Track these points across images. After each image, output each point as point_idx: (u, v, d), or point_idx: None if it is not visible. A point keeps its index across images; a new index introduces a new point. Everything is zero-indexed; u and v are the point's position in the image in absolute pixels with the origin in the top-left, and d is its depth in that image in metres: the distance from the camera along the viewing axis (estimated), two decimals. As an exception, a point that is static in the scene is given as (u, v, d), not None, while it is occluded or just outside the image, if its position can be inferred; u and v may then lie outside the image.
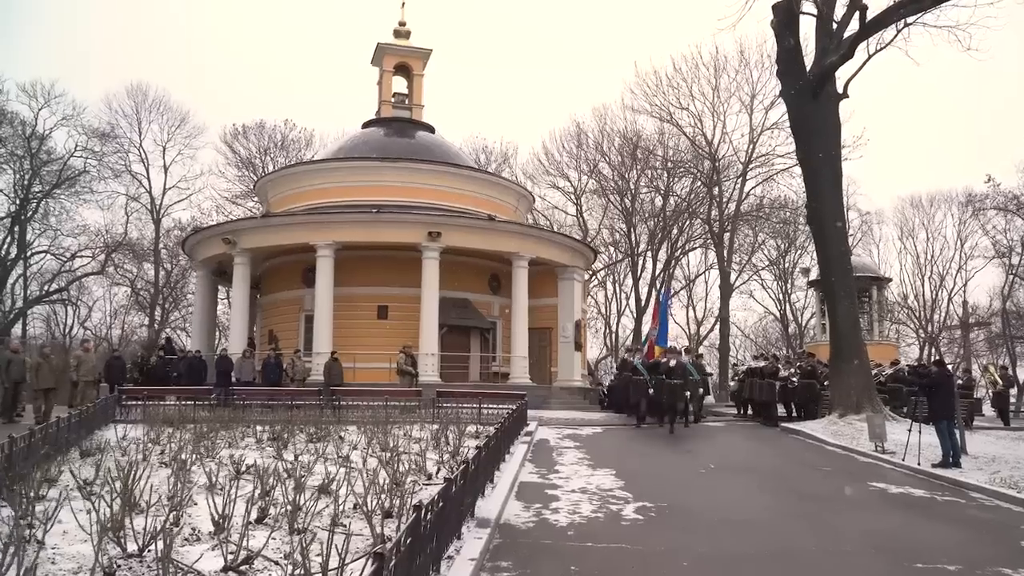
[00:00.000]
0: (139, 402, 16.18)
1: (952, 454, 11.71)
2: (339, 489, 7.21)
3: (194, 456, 9.47)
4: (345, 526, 6.13)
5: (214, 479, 7.68)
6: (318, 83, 73.64)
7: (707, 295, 51.20)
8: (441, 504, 4.73)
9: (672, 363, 16.77)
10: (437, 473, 8.93)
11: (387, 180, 25.87)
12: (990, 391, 20.64)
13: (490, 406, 16.61)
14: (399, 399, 16.76)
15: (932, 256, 49.43)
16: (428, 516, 4.30)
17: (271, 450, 10.77)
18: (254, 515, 6.38)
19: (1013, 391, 24.61)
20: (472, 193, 27.05)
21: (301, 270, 25.00)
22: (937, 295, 49.22)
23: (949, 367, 13.43)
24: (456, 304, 24.97)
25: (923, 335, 48.52)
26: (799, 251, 47.49)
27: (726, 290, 41.53)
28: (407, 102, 30.05)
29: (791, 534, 7.20)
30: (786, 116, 40.00)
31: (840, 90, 18.64)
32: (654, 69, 51.69)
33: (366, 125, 30.02)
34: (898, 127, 65.98)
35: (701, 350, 40.74)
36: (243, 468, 8.75)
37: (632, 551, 6.38)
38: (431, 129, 29.93)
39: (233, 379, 21.55)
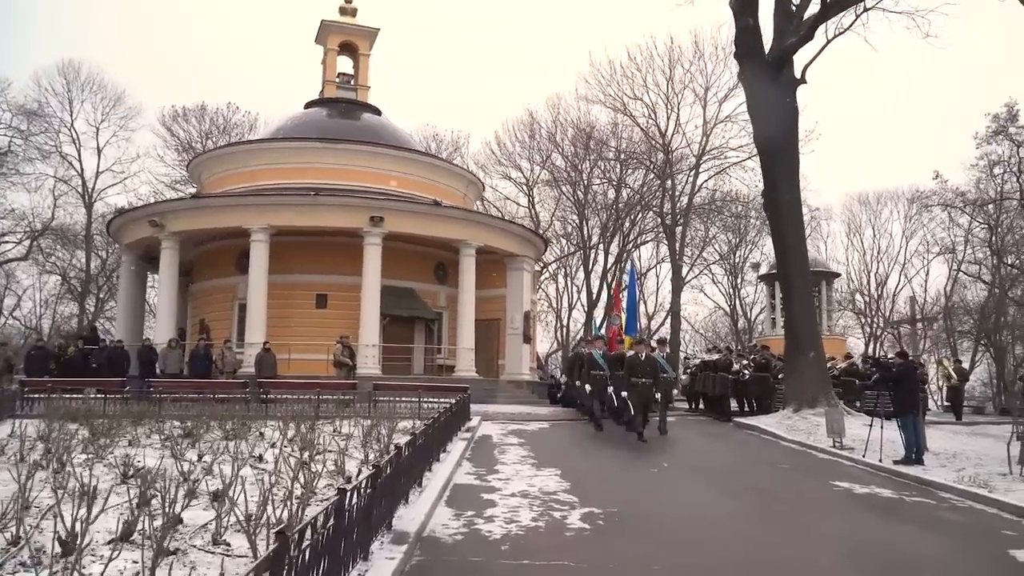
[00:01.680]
0: (43, 395, 14.72)
1: (915, 450, 11.10)
2: (237, 496, 6.12)
3: (83, 456, 8.27)
4: (229, 544, 5.06)
5: (91, 485, 6.51)
6: (265, 64, 71.36)
7: (658, 289, 50.88)
8: (333, 521, 3.71)
9: (642, 356, 14.05)
10: (358, 475, 7.88)
11: (328, 162, 24.56)
12: (944, 385, 20.34)
13: (432, 400, 15.57)
14: (332, 392, 15.59)
15: (878, 253, 49.89)
16: (311, 538, 3.28)
17: (177, 449, 9.57)
18: (121, 531, 5.27)
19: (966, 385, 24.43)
20: (418, 178, 25.89)
21: (235, 256, 23.54)
22: (882, 291, 49.69)
23: (913, 359, 12.90)
24: (400, 293, 23.82)
25: (868, 330, 48.92)
26: (749, 246, 47.51)
27: (677, 284, 41.15)
28: (352, 83, 28.70)
29: (761, 544, 6.37)
30: (740, 109, 40.02)
31: (798, 75, 18.07)
32: (608, 58, 51.19)
33: (308, 105, 28.58)
34: (849, 124, 66.62)
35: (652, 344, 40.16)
36: (131, 471, 7.58)
37: (576, 569, 5.45)
38: (377, 111, 28.65)
39: (157, 371, 20.25)
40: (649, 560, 5.70)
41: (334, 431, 12.01)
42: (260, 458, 8.74)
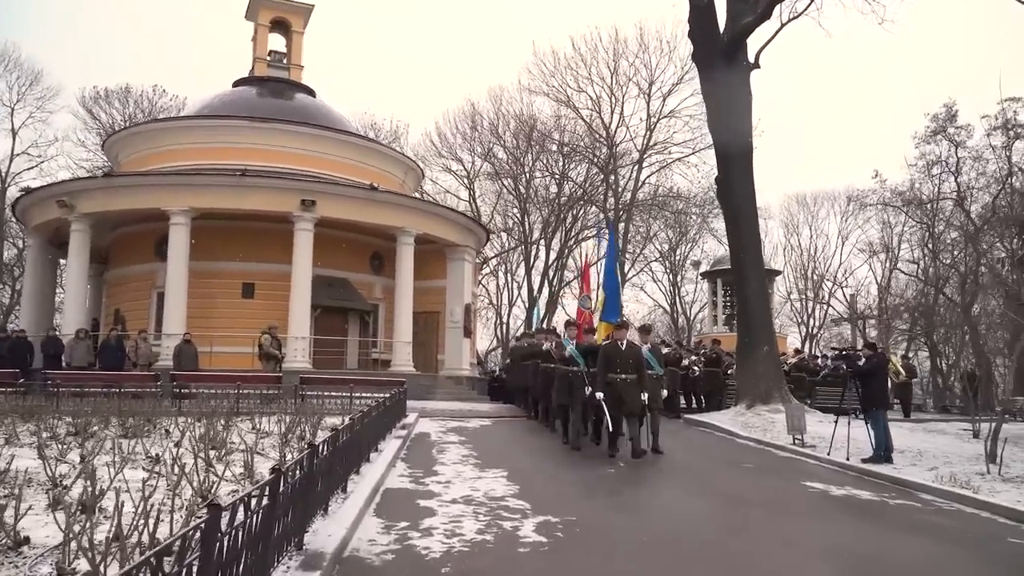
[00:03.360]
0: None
1: (885, 448, 10.39)
2: (122, 506, 4.86)
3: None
4: (97, 571, 3.81)
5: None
6: (196, 45, 68.26)
7: (598, 287, 50.34)
8: (206, 549, 2.55)
9: (622, 345, 10.29)
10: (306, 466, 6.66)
11: (256, 143, 22.97)
12: (892, 382, 19.99)
13: (365, 395, 14.31)
14: (255, 386, 14.19)
15: (815, 252, 50.35)
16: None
17: (59, 448, 8.17)
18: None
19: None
20: (354, 162, 24.48)
21: (154, 241, 21.77)
22: (819, 291, 50.14)
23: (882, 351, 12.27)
24: (333, 283, 22.43)
25: (805, 330, 49.30)
26: (690, 244, 47.39)
27: (621, 280, 40.53)
28: (285, 62, 27.10)
29: (745, 558, 5.40)
30: (684, 104, 40.02)
31: (751, 60, 17.42)
32: (553, 49, 50.30)
33: (237, 84, 26.85)
34: (790, 125, 67.31)
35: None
36: (-12, 476, 6.20)
37: (535, 596, 4.38)
38: (311, 92, 27.12)
39: (64, 364, 18.51)
40: (622, 581, 4.67)
41: (252, 428, 10.73)
42: (156, 459, 7.41)
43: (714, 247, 46.81)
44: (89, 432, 9.26)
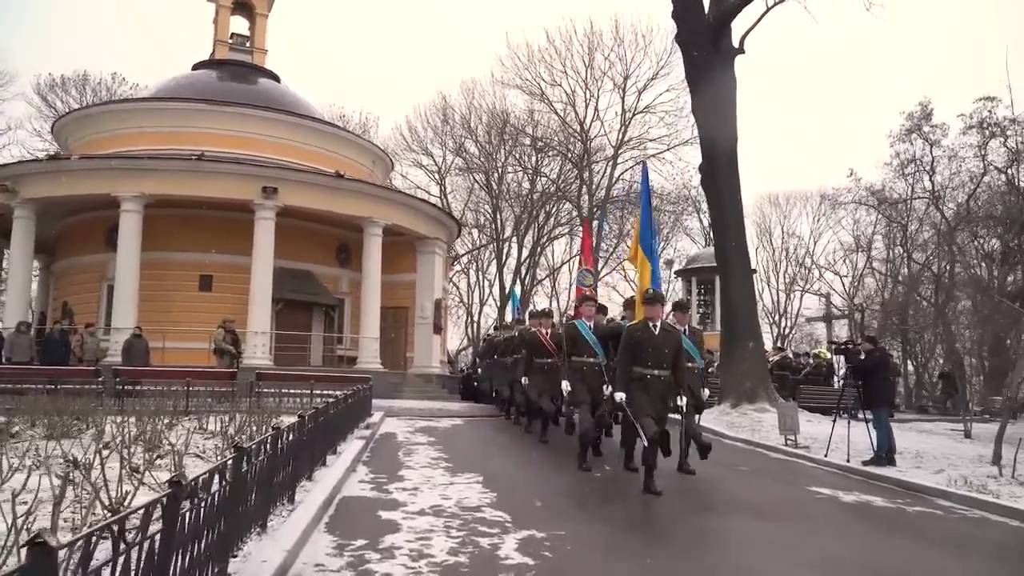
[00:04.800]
0: None
1: (887, 449, 9.65)
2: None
3: None
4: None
5: None
6: (156, 32, 66.20)
7: (571, 285, 49.66)
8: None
9: (655, 328, 7.28)
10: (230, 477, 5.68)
11: (215, 127, 21.81)
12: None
13: (328, 393, 13.29)
14: (206, 383, 13.08)
15: (787, 253, 50.11)
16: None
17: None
18: None
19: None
20: (320, 149, 23.40)
21: (104, 230, 20.51)
22: (790, 291, 49.92)
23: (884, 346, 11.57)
24: (296, 276, 21.33)
25: (776, 330, 49.01)
26: (663, 243, 46.78)
27: (594, 277, 39.79)
28: (248, 45, 25.92)
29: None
30: (659, 100, 39.58)
31: (736, 45, 16.71)
32: (526, 41, 49.54)
33: (196, 67, 25.61)
34: (766, 124, 67.11)
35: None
36: None
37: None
38: (275, 78, 25.96)
39: (3, 359, 17.26)
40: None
41: (198, 428, 9.72)
42: (75, 463, 6.36)
43: (687, 246, 46.38)
44: (9, 432, 8.18)
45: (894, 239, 38.30)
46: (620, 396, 7.17)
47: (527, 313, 13.72)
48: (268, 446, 4.42)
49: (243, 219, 19.52)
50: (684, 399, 7.28)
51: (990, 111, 30.80)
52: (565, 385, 8.62)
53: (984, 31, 59.16)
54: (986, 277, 31.63)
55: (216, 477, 3.27)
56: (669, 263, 47.13)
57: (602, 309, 10.38)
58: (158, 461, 6.82)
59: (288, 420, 8.89)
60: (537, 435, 10.61)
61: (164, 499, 2.54)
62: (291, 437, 5.23)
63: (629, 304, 10.72)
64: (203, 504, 3.02)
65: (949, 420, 19.53)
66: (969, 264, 32.34)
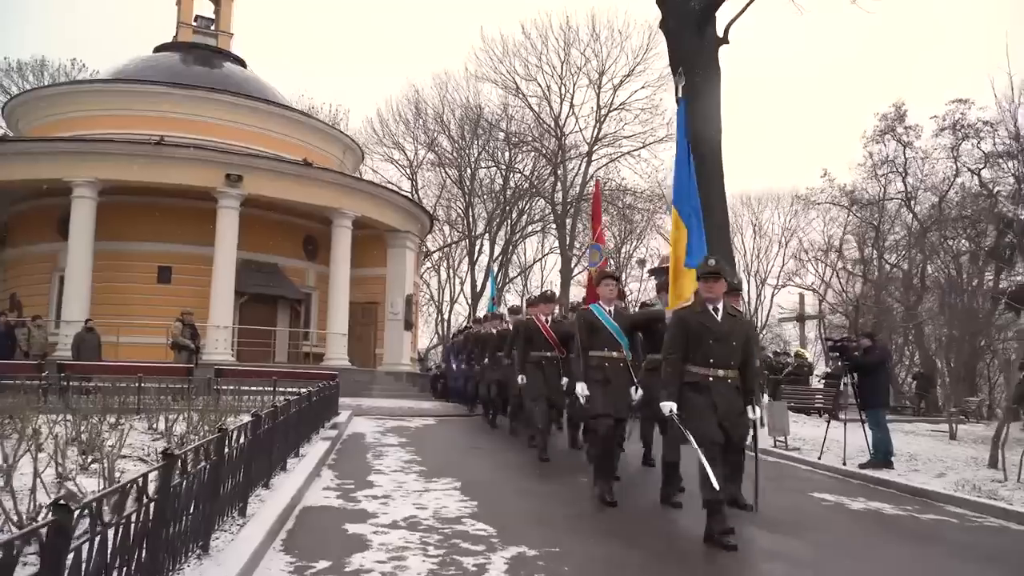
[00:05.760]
0: None
1: (885, 452, 9.16)
2: None
3: None
4: None
5: None
6: (117, 16, 64.25)
7: (543, 283, 49.14)
8: None
9: (717, 313, 5.25)
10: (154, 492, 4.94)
11: (177, 112, 20.84)
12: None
13: (293, 390, 12.51)
14: (161, 379, 12.21)
15: (758, 253, 50.07)
16: None
17: None
18: None
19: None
20: (287, 137, 22.51)
21: (57, 218, 19.37)
22: (761, 291, 49.91)
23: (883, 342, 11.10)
24: (261, 269, 20.45)
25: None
26: (635, 242, 46.45)
27: (567, 276, 39.29)
28: (213, 28, 24.93)
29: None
30: (635, 97, 39.19)
31: (720, 34, 16.25)
32: (501, 35, 48.87)
33: (158, 50, 24.54)
34: (739, 124, 67.22)
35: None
36: None
37: None
38: (242, 63, 25.00)
39: (-57, 353, 16.17)
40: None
41: (148, 428, 8.94)
42: (-3, 469, 5.56)
43: (660, 244, 46.00)
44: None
45: (864, 239, 38.32)
46: (670, 407, 5.08)
47: (524, 301, 13.01)
48: (211, 451, 3.71)
49: (205, 208, 18.62)
50: (759, 410, 5.52)
51: (963, 113, 30.86)
52: (580, 388, 6.38)
53: (958, 33, 59.76)
54: (957, 277, 31.70)
55: (134, 494, 2.56)
56: (642, 262, 46.78)
57: (621, 294, 8.11)
58: (94, 466, 6.05)
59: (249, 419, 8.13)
60: (526, 441, 9.32)
61: (47, 529, 1.83)
62: (242, 440, 4.50)
63: (663, 286, 8.47)
64: (113, 530, 2.32)
65: (926, 421, 19.29)
66: (943, 265, 32.40)
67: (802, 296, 40.28)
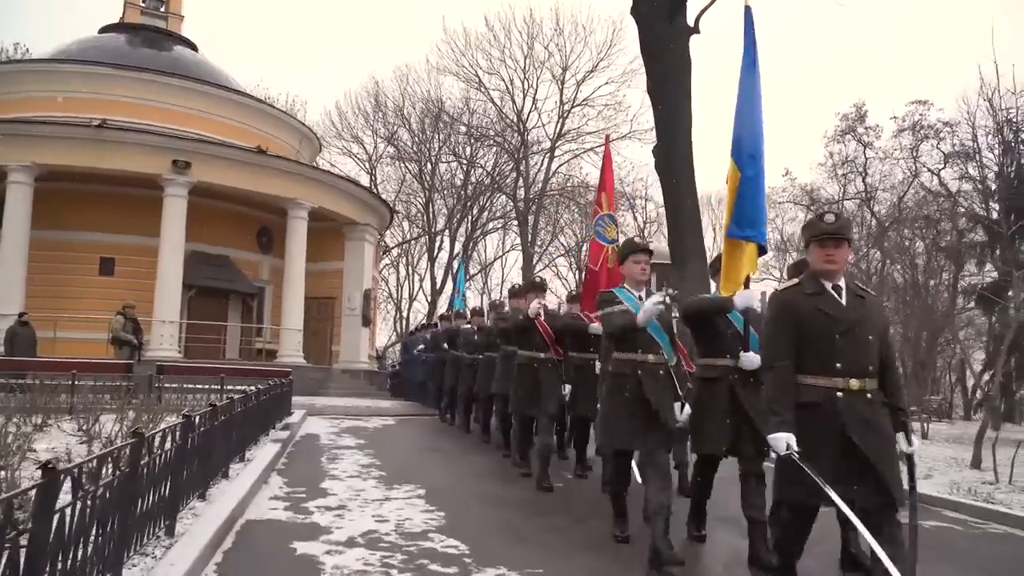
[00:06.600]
0: None
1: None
2: None
3: None
4: None
5: None
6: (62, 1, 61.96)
7: (503, 281, 48.59)
8: None
9: (840, 296, 3.50)
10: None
11: (122, 95, 19.74)
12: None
13: (241, 389, 11.72)
14: (97, 376, 11.32)
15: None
16: None
17: None
18: None
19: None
20: (240, 124, 21.52)
21: (-8, 205, 18.26)
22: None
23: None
24: (211, 261, 19.46)
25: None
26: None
27: (529, 273, 38.78)
28: (163, 9, 23.79)
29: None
30: (598, 93, 38.89)
31: (692, 24, 15.81)
32: (464, 27, 48.18)
33: (104, 31, 23.33)
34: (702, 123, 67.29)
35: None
36: None
37: None
38: (193, 47, 23.91)
39: None
40: None
41: (79, 430, 8.11)
42: None
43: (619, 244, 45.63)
44: None
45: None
46: (786, 441, 3.31)
47: (507, 291, 10.70)
48: (121, 462, 3.03)
49: (151, 196, 17.61)
50: (915, 440, 3.60)
51: (922, 114, 31.12)
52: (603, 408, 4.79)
53: (918, 34, 60.72)
54: (915, 276, 31.99)
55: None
56: (602, 261, 46.41)
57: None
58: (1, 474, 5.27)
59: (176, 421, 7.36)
60: (519, 465, 7.41)
61: None
62: (167, 445, 3.80)
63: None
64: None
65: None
66: (901, 266, 32.65)
67: (764, 295, 40.43)
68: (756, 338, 4.54)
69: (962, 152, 29.62)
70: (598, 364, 6.28)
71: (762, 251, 4.86)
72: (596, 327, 6.27)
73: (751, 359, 4.48)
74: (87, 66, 19.84)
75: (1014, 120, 24.52)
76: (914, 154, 32.40)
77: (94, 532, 2.71)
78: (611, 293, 4.89)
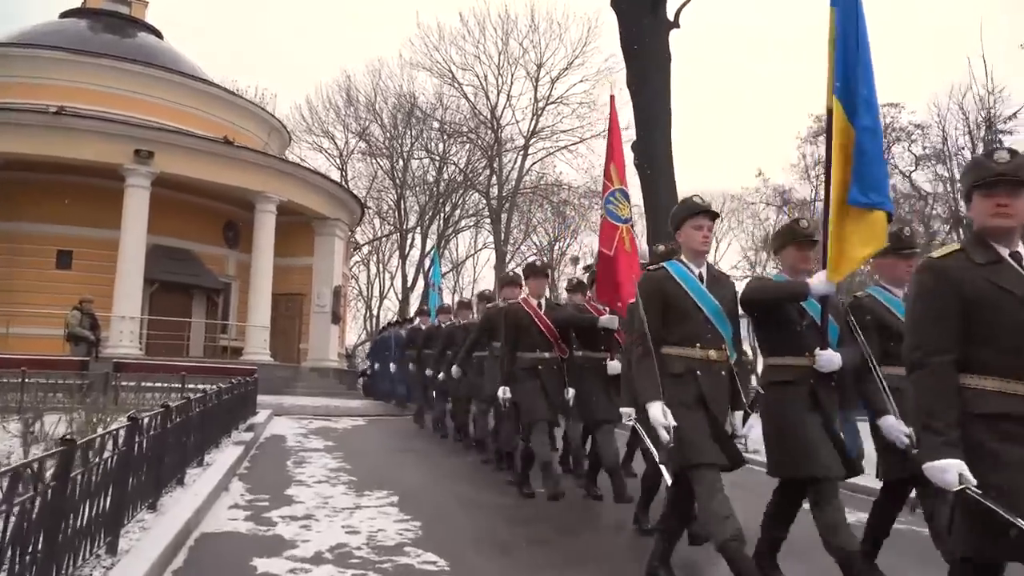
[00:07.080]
0: None
1: (857, 454, 8.47)
2: None
3: None
4: None
5: None
6: None
7: (475, 280, 48.18)
8: None
9: (1020, 263, 2.42)
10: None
11: (82, 81, 19.00)
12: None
13: (203, 387, 11.18)
14: (49, 373, 10.72)
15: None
16: None
17: None
18: None
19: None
20: (206, 114, 20.85)
21: (-58, 195, 17.44)
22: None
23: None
24: (174, 255, 18.80)
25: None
26: (568, 240, 45.91)
27: (502, 271, 38.40)
28: (127, -5, 23.03)
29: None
30: (572, 91, 38.62)
31: (671, 19, 15.60)
32: (438, 22, 47.64)
33: (65, 16, 22.52)
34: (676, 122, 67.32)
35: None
36: None
37: None
38: (158, 34, 23.19)
39: None
40: None
41: (27, 430, 7.53)
42: None
43: (593, 242, 45.48)
44: None
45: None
46: (958, 471, 2.22)
47: (497, 280, 9.42)
48: (45, 474, 2.58)
49: (112, 187, 16.95)
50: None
51: (893, 117, 31.30)
52: (662, 422, 3.46)
53: (890, 36, 61.22)
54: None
55: None
56: (575, 260, 46.27)
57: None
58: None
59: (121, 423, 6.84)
60: (517, 482, 6.30)
61: None
62: (106, 452, 3.35)
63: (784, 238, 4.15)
64: None
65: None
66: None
67: (736, 295, 40.49)
68: (836, 331, 3.83)
69: (933, 154, 29.88)
70: (610, 364, 5.68)
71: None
72: (607, 320, 5.72)
73: (830, 358, 3.70)
74: (45, 51, 19.07)
75: (992, 120, 24.66)
76: (886, 156, 32.63)
77: (8, 557, 2.27)
78: (664, 272, 3.77)
